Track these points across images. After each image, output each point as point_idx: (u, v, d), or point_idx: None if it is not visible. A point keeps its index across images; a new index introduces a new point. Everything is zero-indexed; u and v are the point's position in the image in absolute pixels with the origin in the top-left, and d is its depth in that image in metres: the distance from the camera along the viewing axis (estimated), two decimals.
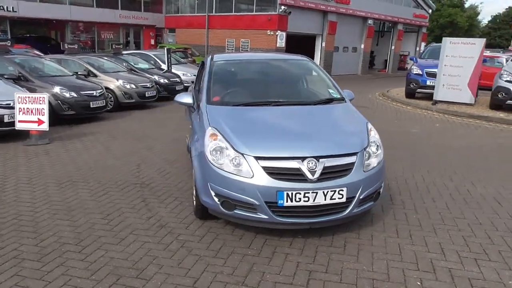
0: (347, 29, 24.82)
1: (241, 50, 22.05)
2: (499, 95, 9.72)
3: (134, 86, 10.79)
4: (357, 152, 3.37)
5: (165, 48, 14.81)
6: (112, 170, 5.41)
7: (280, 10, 20.28)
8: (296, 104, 4.15)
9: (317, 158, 3.22)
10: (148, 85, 11.27)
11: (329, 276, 2.94)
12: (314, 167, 3.19)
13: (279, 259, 3.17)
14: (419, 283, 2.88)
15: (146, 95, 11.08)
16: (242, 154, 3.26)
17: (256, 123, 3.74)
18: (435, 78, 11.12)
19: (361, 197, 3.35)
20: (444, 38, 10.91)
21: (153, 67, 13.95)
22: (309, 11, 22.14)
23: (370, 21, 26.70)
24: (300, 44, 22.57)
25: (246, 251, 3.28)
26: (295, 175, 3.18)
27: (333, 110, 4.12)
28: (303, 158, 3.20)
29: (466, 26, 53.40)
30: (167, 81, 12.81)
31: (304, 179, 3.16)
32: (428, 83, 11.76)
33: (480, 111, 10.27)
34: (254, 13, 21.70)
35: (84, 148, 6.55)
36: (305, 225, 3.32)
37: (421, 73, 12.02)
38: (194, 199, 3.82)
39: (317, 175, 3.18)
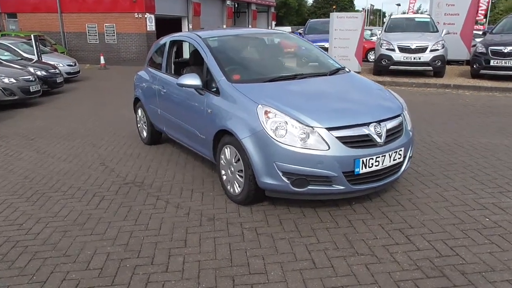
0: (209, 11, 24.92)
1: (106, 35, 20.16)
2: (382, 62, 11.19)
3: (14, 80, 9.04)
4: (401, 114, 3.59)
5: (32, 35, 12.64)
6: (77, 174, 4.56)
7: None
8: (318, 75, 4.14)
9: (379, 122, 3.32)
10: (31, 78, 9.57)
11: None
12: (380, 131, 3.29)
13: (362, 226, 3.21)
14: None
15: (31, 90, 9.40)
16: (312, 127, 3.15)
17: (304, 96, 3.61)
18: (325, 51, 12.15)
19: (410, 155, 3.62)
20: (331, 14, 11.96)
21: (18, 57, 11.83)
22: None
23: (228, 2, 27.31)
24: (168, 28, 21.74)
25: (325, 225, 3.21)
26: (366, 141, 3.22)
27: (352, 78, 4.22)
28: (368, 124, 3.27)
29: (296, 6, 59.03)
30: (45, 73, 11.04)
31: (374, 144, 3.24)
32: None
33: (367, 76, 11.66)
34: None
35: (9, 156, 5.30)
36: (372, 189, 3.42)
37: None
38: (238, 185, 3.54)
39: (383, 138, 3.29)
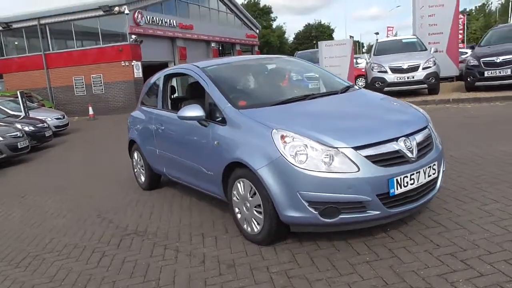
0: (195, 54, 25.12)
1: (93, 86, 20.04)
2: (376, 85, 11.03)
3: (1, 138, 8.67)
4: (427, 126, 3.26)
5: (18, 91, 12.40)
6: (73, 229, 4.10)
7: (131, 39, 19.23)
8: (329, 94, 3.84)
9: (407, 136, 2.98)
10: (18, 134, 9.22)
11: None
12: (410, 145, 2.95)
13: (407, 254, 2.79)
14: None
15: (19, 147, 9.01)
16: (336, 148, 2.79)
17: (320, 116, 3.28)
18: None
19: (444, 169, 3.26)
20: (319, 42, 11.97)
21: (4, 116, 11.52)
22: (159, 39, 21.65)
23: (213, 44, 27.67)
24: (155, 73, 21.77)
25: (363, 258, 2.78)
26: (397, 158, 2.86)
27: (366, 94, 3.92)
28: (397, 139, 2.93)
29: (278, 44, 60.36)
30: (33, 128, 10.73)
31: (406, 160, 2.88)
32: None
33: None
34: (101, 45, 20.00)
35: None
36: (409, 211, 3.02)
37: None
38: (257, 223, 3.13)
39: (415, 153, 2.95)
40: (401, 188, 2.82)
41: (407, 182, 2.85)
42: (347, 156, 2.76)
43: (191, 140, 3.84)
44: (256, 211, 3.11)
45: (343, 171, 2.74)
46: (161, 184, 5.29)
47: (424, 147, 3.06)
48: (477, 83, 10.12)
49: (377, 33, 76.89)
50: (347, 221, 2.81)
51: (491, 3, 43.44)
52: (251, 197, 3.13)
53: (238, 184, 3.24)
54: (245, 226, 3.29)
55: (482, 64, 9.98)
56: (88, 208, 4.78)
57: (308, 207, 2.78)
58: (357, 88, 4.09)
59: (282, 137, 2.90)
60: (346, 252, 2.90)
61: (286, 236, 3.18)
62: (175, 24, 22.72)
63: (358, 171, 2.73)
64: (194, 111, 3.54)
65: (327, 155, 2.77)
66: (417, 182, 2.90)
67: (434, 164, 3.05)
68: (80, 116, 19.10)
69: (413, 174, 2.87)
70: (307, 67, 4.64)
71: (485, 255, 2.61)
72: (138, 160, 5.26)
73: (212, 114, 3.57)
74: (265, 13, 54.43)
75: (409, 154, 2.90)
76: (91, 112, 17.84)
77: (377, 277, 2.52)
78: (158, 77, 4.82)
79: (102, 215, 4.47)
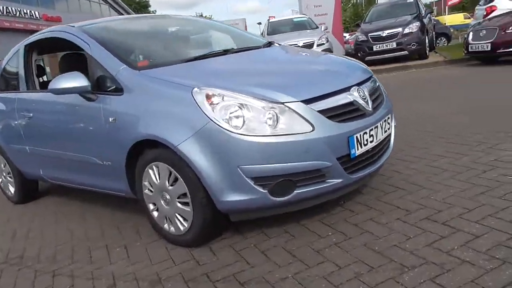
0: None
1: None
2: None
3: None
4: (372, 75, 2.77)
5: None
6: None
7: None
8: (251, 49, 3.12)
9: (359, 84, 2.45)
10: None
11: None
12: (365, 95, 2.42)
13: (378, 227, 2.26)
14: None
15: None
16: (282, 104, 2.12)
17: (253, 70, 2.57)
18: None
19: (395, 124, 2.81)
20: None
21: None
22: (19, 33, 18.73)
23: None
24: None
25: (329, 241, 2.16)
26: (354, 111, 2.30)
27: (295, 48, 3.33)
28: (348, 88, 2.37)
29: None
30: None
31: (363, 114, 2.34)
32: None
33: None
34: None
35: None
36: (369, 176, 2.48)
37: None
38: (183, 219, 2.32)
39: (371, 103, 2.43)
40: (361, 147, 2.28)
41: (367, 140, 2.32)
42: (297, 113, 2.11)
43: (74, 123, 2.84)
44: (181, 202, 2.30)
45: (295, 132, 2.08)
46: (40, 193, 4.09)
47: (377, 97, 2.57)
48: (368, 58, 10.44)
49: (259, 23, 79.28)
50: (303, 196, 2.17)
51: None
52: (171, 185, 2.31)
53: (150, 171, 2.39)
54: (165, 225, 2.46)
55: (370, 39, 10.32)
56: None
57: (254, 185, 2.07)
58: (279, 44, 3.48)
59: (208, 96, 2.13)
60: (305, 236, 2.27)
61: (222, 231, 2.44)
62: (38, 15, 19.96)
63: (313, 130, 2.10)
64: (73, 80, 2.56)
65: (271, 114, 2.08)
66: (376, 138, 2.40)
67: (389, 117, 2.58)
68: None
69: (372, 129, 2.35)
70: (215, 25, 3.88)
71: (465, 213, 2.20)
72: (2, 166, 3.99)
73: (100, 84, 2.62)
74: (143, 6, 51.67)
75: (366, 106, 2.37)
76: None
77: (357, 262, 1.93)
78: (16, 50, 3.62)
79: None
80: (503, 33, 7.67)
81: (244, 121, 2.07)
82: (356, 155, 2.25)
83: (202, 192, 2.16)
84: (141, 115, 2.34)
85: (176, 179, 2.26)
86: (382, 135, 2.47)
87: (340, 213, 2.49)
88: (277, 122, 2.08)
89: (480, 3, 12.68)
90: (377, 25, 10.76)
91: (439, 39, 16.62)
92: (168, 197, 2.35)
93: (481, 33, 8.09)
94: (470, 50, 8.29)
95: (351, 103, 2.30)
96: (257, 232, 2.41)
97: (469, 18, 26.18)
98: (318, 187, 2.17)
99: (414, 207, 2.38)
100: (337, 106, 2.23)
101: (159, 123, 2.24)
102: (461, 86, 6.42)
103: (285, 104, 2.11)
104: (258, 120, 2.08)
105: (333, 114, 2.19)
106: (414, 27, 10.24)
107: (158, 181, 2.36)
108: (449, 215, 2.21)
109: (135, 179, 2.52)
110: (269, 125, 2.07)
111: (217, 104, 2.10)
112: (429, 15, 12.29)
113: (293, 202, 2.18)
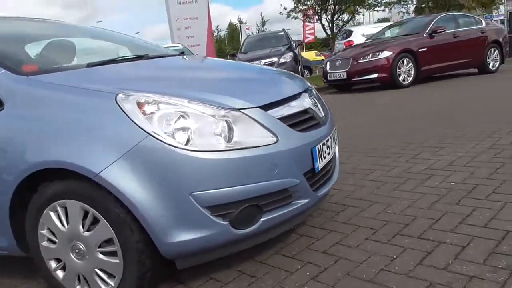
0: None
1: None
2: None
3: None
4: (310, 86, 2.52)
5: None
6: None
7: None
8: (169, 56, 2.58)
9: (305, 91, 2.16)
10: None
11: None
12: (315, 102, 2.14)
13: (348, 251, 1.93)
14: None
15: None
16: (238, 110, 1.68)
17: (188, 77, 2.07)
18: None
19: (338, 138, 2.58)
20: None
21: None
22: None
23: None
24: None
25: (302, 276, 1.75)
26: (310, 120, 2.00)
27: (215, 59, 2.89)
28: (299, 94, 2.06)
29: None
30: None
31: (317, 122, 2.04)
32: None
33: None
34: None
35: None
36: (328, 193, 2.16)
37: None
38: (107, 275, 1.66)
39: (321, 111, 2.16)
40: (322, 160, 1.98)
41: (325, 151, 2.03)
42: (256, 121, 1.71)
43: None
44: (104, 252, 1.65)
45: (256, 145, 1.67)
46: None
47: (323, 105, 2.32)
48: None
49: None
50: (271, 224, 1.74)
51: (220, 30, 49.24)
52: (88, 230, 1.65)
53: (52, 214, 1.69)
54: None
55: None
56: None
57: (211, 216, 1.58)
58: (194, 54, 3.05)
59: (140, 104, 1.59)
60: (269, 275, 1.83)
61: (159, 283, 1.84)
62: None
63: (277, 141, 1.72)
64: None
65: (224, 123, 1.64)
66: (331, 150, 2.13)
67: (335, 129, 2.35)
68: None
69: (328, 139, 2.07)
70: (114, 34, 3.24)
71: (435, 224, 2.05)
72: None
73: None
74: None
75: (319, 114, 2.09)
76: None
77: None
78: None
79: None
80: (355, 63, 8.55)
81: (191, 134, 1.58)
82: (319, 169, 1.93)
83: (137, 234, 1.57)
84: (35, 135, 1.66)
85: (95, 221, 1.62)
86: (335, 146, 2.22)
87: (296, 241, 2.12)
88: (232, 132, 1.65)
89: (338, 38, 14.11)
90: (254, 55, 11.06)
91: (304, 70, 18.10)
92: (82, 247, 1.67)
93: (337, 63, 8.94)
94: (329, 78, 9.06)
95: (305, 111, 2.00)
96: (205, 279, 1.88)
97: (319, 55, 29.44)
98: (285, 211, 1.77)
99: (376, 224, 2.15)
100: (295, 113, 1.91)
101: (67, 145, 1.59)
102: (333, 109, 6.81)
103: (241, 110, 1.69)
104: (209, 132, 1.61)
105: (293, 122, 1.85)
106: (288, 57, 10.80)
107: (66, 226, 1.68)
108: (419, 227, 2.02)
109: (25, 229, 1.77)
110: (223, 136, 1.62)
111: (151, 113, 1.58)
112: (298, 47, 13.21)
113: (258, 234, 1.73)
